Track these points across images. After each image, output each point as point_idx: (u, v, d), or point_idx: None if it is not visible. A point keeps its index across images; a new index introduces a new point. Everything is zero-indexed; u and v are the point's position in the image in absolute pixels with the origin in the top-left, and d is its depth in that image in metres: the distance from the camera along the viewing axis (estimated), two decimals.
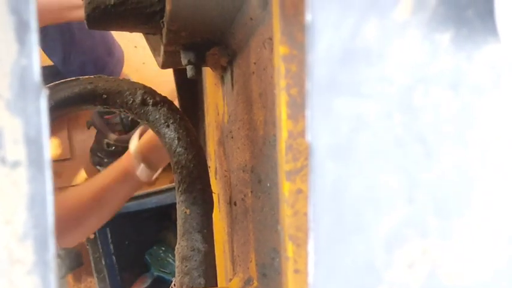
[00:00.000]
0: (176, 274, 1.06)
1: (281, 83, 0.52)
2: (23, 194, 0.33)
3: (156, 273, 2.11)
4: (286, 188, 0.52)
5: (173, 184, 2.03)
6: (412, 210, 0.37)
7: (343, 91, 0.36)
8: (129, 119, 2.16)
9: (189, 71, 0.98)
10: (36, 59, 0.33)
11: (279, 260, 0.70)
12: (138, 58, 2.32)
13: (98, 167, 2.23)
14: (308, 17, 0.35)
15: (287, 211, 0.52)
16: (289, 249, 0.51)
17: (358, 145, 0.36)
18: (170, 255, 2.12)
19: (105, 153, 2.20)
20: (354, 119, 0.36)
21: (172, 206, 2.02)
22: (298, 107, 0.52)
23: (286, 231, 0.52)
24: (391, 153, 0.37)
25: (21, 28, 0.33)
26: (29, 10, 0.33)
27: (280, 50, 0.52)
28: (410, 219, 0.37)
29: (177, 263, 1.05)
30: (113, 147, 2.18)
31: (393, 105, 0.37)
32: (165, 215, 2.13)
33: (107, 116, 2.19)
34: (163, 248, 2.14)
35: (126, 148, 2.21)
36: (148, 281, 2.10)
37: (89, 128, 2.22)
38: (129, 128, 2.18)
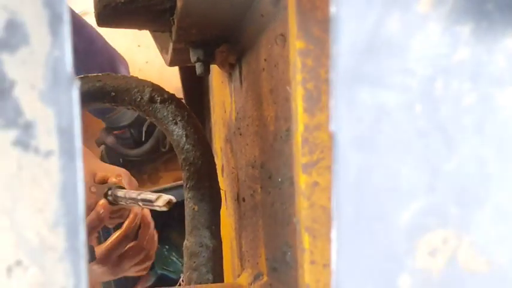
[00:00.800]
0: (184, 270, 1.07)
1: (297, 77, 0.53)
2: (55, 183, 0.34)
3: (159, 272, 2.11)
4: (302, 180, 0.53)
5: (176, 183, 2.04)
6: (433, 199, 0.38)
7: (366, 82, 0.37)
8: (144, 131, 2.17)
9: (198, 69, 0.99)
10: (69, 51, 0.34)
11: (291, 254, 0.71)
12: (142, 57, 2.32)
13: None
14: (333, 9, 0.36)
15: (303, 203, 0.53)
16: (305, 241, 0.52)
17: (381, 135, 0.37)
18: (174, 254, 2.13)
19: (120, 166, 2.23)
20: (376, 110, 0.37)
21: (175, 205, 2.03)
22: (314, 101, 0.53)
23: (302, 223, 0.53)
24: (413, 143, 0.37)
25: (54, 21, 0.34)
26: (62, 3, 0.34)
27: (297, 44, 0.53)
28: (431, 208, 0.38)
29: (185, 259, 1.06)
30: (127, 162, 2.21)
31: (415, 96, 0.37)
32: (168, 214, 2.13)
33: (116, 132, 2.21)
34: (166, 247, 2.14)
35: (140, 161, 2.24)
36: (152, 279, 2.11)
37: (99, 146, 2.24)
38: (140, 141, 2.20)
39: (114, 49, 2.18)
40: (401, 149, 0.37)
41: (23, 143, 0.34)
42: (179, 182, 2.01)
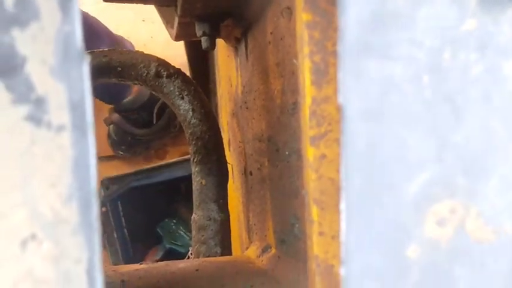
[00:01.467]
0: (193, 243, 1.08)
1: (304, 49, 0.53)
2: (67, 157, 0.35)
3: (167, 246, 2.13)
4: (310, 153, 0.53)
5: (183, 157, 2.04)
6: (441, 169, 0.38)
7: (373, 54, 0.37)
8: (155, 112, 2.17)
9: (204, 43, 0.99)
10: (78, 26, 0.34)
11: (299, 226, 0.72)
12: (146, 32, 2.32)
13: (120, 152, 2.27)
14: None
15: (311, 175, 0.53)
16: (313, 212, 0.53)
17: (389, 107, 0.37)
18: (181, 228, 2.15)
19: (127, 145, 2.24)
20: (384, 82, 0.37)
21: (183, 179, 2.05)
22: (321, 74, 0.53)
23: (310, 195, 0.53)
24: (421, 114, 0.38)
25: None
26: None
27: (304, 16, 0.53)
28: (439, 178, 0.38)
29: (193, 232, 1.07)
30: (135, 141, 2.22)
31: (422, 67, 0.38)
32: (175, 188, 2.15)
33: (123, 113, 2.21)
34: (174, 221, 2.16)
35: (149, 140, 2.24)
36: (160, 253, 2.13)
37: (108, 126, 2.25)
38: (150, 122, 2.20)
39: (120, 36, 2.17)
40: (409, 121, 0.38)
41: (35, 118, 0.34)
42: (186, 157, 2.02)
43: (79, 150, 0.35)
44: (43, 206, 0.35)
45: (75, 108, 0.34)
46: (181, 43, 1.55)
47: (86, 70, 0.34)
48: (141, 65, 1.08)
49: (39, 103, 0.34)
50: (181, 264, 0.90)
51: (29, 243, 0.35)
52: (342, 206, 0.37)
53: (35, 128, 0.34)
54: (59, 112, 0.34)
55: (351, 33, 0.37)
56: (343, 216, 0.37)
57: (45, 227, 0.35)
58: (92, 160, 0.35)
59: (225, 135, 1.27)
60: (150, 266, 0.90)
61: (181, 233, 2.14)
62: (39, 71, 0.34)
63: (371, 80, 0.37)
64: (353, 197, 0.37)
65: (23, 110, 0.34)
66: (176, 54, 1.75)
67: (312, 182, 0.53)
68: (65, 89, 0.34)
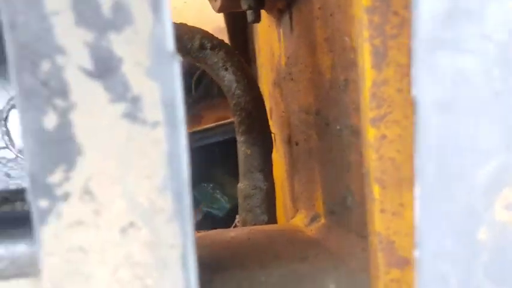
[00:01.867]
0: (239, 212, 1.11)
1: (364, 33, 0.55)
2: (162, 151, 0.37)
3: (205, 209, 2.17)
4: (371, 134, 0.55)
5: (219, 123, 2.06)
6: (509, 157, 0.40)
7: (445, 48, 0.39)
8: (193, 82, 2.20)
9: (249, 16, 1.01)
10: (169, 27, 0.36)
11: (352, 199, 0.74)
12: None
13: None
14: None
15: (372, 155, 0.55)
16: (375, 191, 0.55)
17: (460, 98, 0.39)
18: (218, 191, 2.18)
19: None
20: (455, 74, 0.39)
21: (218, 144, 2.08)
22: (381, 57, 0.54)
23: (371, 174, 0.55)
24: (490, 105, 0.40)
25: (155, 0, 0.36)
26: None
27: (363, 1, 0.54)
28: (507, 165, 0.40)
29: (239, 201, 1.10)
30: None
31: (492, 60, 0.39)
32: (212, 153, 2.18)
33: None
34: (211, 185, 2.20)
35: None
36: (199, 216, 2.17)
37: None
38: (188, 91, 2.23)
39: None
40: (479, 111, 0.40)
41: (131, 116, 0.37)
42: (221, 122, 2.05)
43: (172, 144, 0.37)
44: (140, 197, 0.37)
45: (168, 105, 0.37)
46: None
47: (177, 69, 0.37)
48: (186, 37, 1.10)
49: (135, 101, 0.37)
50: (232, 233, 0.93)
51: (129, 231, 0.37)
52: (416, 192, 0.39)
53: (131, 125, 0.37)
54: (153, 109, 0.37)
55: (424, 29, 0.38)
56: (416, 203, 0.39)
57: (142, 215, 0.37)
58: (184, 153, 0.37)
59: (267, 104, 1.29)
60: (203, 234, 0.93)
61: (218, 196, 2.18)
62: (134, 71, 0.36)
63: (443, 73, 0.39)
64: (426, 184, 0.39)
65: (120, 108, 0.37)
66: (210, 20, 1.76)
67: (372, 161, 0.55)
68: (159, 87, 0.37)
